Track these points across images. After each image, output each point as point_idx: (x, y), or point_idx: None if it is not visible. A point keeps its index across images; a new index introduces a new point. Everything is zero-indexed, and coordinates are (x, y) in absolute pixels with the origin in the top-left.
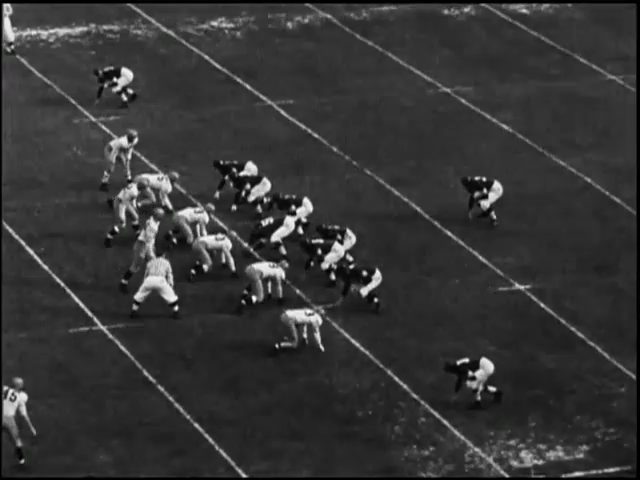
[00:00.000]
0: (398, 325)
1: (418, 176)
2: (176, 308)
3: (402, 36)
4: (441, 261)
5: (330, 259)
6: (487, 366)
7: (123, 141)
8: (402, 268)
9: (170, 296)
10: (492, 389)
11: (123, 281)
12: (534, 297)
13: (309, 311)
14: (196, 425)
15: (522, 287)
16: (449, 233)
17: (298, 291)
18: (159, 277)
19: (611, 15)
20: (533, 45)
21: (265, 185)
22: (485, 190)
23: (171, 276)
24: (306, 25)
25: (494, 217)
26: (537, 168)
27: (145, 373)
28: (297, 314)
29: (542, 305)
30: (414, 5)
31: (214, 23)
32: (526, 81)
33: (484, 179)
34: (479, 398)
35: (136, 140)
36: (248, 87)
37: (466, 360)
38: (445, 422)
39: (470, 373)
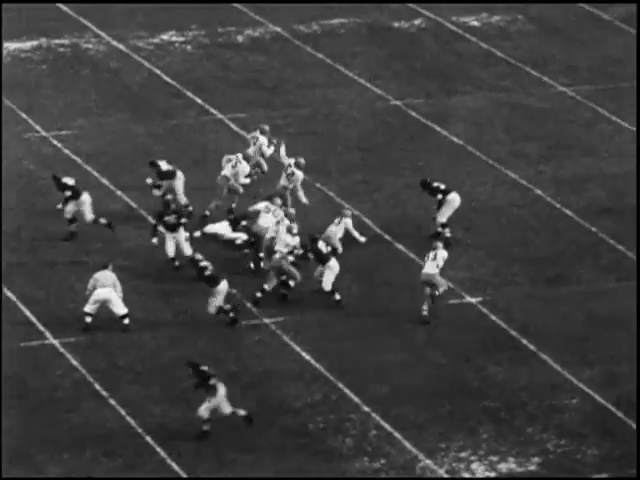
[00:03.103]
0: (349, 338)
1: (368, 189)
2: (126, 321)
3: (352, 49)
4: (392, 274)
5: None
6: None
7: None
8: (353, 281)
9: (120, 309)
10: None
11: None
12: (485, 309)
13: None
14: (147, 438)
15: (473, 299)
16: (400, 246)
17: (249, 304)
18: (108, 288)
19: (561, 27)
20: (483, 57)
21: (180, 180)
22: (440, 196)
23: (119, 287)
24: (256, 38)
25: (448, 234)
26: (487, 180)
27: (96, 386)
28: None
29: (493, 317)
30: (364, 18)
31: (164, 37)
32: (476, 93)
33: (442, 186)
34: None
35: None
36: (198, 101)
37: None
38: (396, 434)
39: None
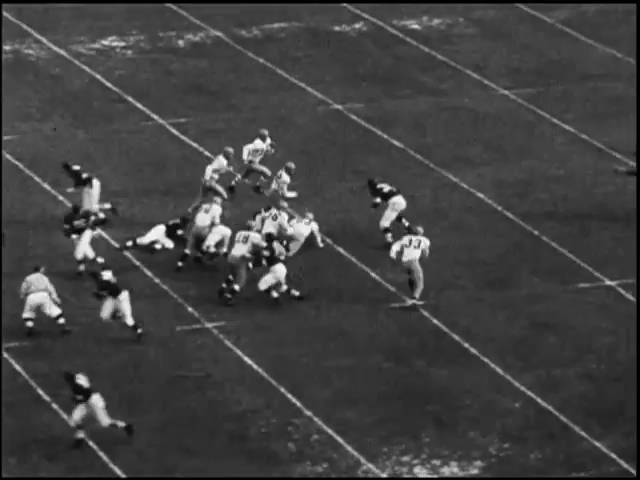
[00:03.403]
0: (291, 342)
1: (310, 193)
2: (62, 320)
3: (293, 53)
4: (333, 278)
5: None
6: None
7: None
8: (295, 284)
9: (54, 310)
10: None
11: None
12: (427, 313)
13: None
14: (90, 443)
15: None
16: (341, 250)
17: (190, 308)
18: (40, 293)
19: (502, 30)
20: (424, 61)
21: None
22: (379, 199)
23: (53, 290)
24: (197, 43)
25: (389, 239)
26: (429, 184)
27: (39, 391)
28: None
29: (435, 321)
30: (305, 22)
31: (105, 42)
32: (417, 97)
33: (386, 189)
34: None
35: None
36: (139, 106)
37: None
38: (338, 439)
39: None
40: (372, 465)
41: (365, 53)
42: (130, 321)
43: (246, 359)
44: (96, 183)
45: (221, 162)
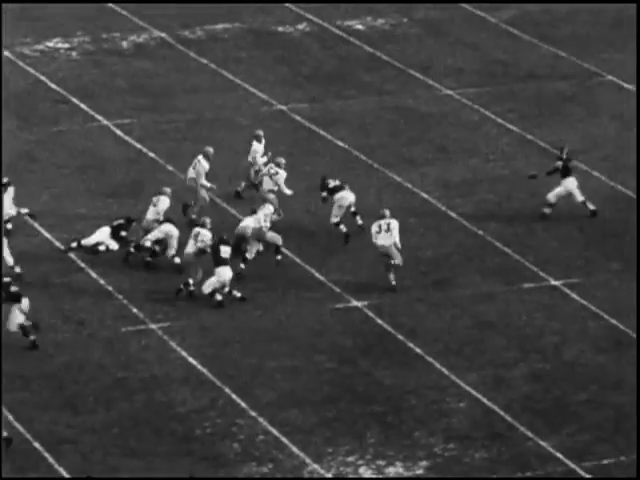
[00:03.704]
0: (235, 343)
1: (254, 194)
2: None
3: (237, 54)
4: (277, 278)
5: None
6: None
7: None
8: (238, 286)
9: None
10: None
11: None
12: (371, 313)
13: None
14: (36, 444)
15: (359, 304)
16: (285, 250)
17: (135, 309)
18: None
19: (446, 30)
20: (368, 61)
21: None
22: (324, 193)
23: None
24: (141, 44)
25: (344, 229)
26: (373, 184)
27: None
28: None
29: (379, 321)
30: (248, 23)
31: (49, 44)
32: (361, 97)
33: (332, 184)
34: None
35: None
36: (84, 107)
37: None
38: (283, 439)
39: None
40: (317, 465)
41: (309, 54)
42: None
43: (191, 360)
44: (10, 189)
45: (204, 165)
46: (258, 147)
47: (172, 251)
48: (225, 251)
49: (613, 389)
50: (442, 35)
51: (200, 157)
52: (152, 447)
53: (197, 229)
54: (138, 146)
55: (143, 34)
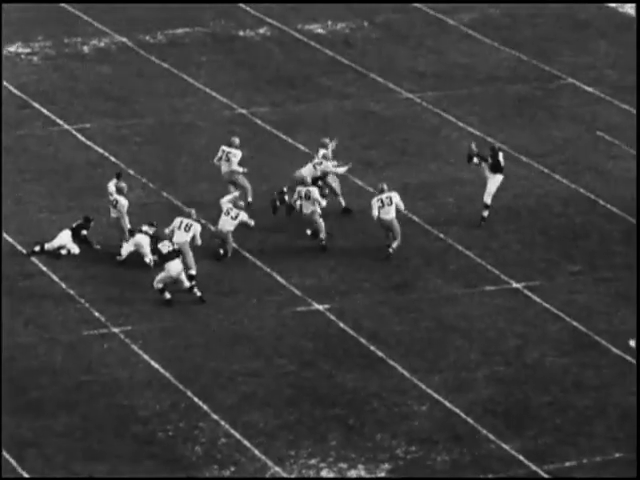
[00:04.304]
0: (196, 346)
1: (214, 197)
2: None
3: (197, 58)
4: (238, 282)
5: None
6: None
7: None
8: (199, 288)
9: None
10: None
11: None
12: (333, 316)
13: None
14: None
15: (321, 307)
16: (246, 254)
17: (97, 313)
18: None
19: (406, 33)
20: (329, 65)
21: None
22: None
23: None
24: (102, 49)
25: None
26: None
27: None
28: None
29: (341, 324)
30: (209, 27)
31: (11, 49)
32: (322, 101)
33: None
34: None
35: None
36: (45, 112)
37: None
38: (246, 442)
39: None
40: (279, 468)
41: (269, 57)
42: None
43: (153, 363)
44: None
45: (236, 153)
46: (325, 153)
47: (147, 259)
48: (165, 245)
49: (575, 391)
50: (403, 39)
51: (226, 148)
52: (114, 450)
53: (186, 220)
54: (100, 150)
55: (104, 39)
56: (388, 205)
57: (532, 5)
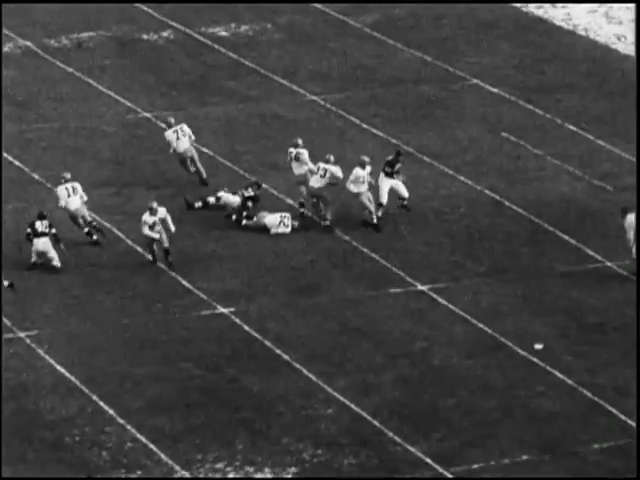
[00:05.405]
0: (103, 350)
1: (120, 202)
2: None
3: (101, 62)
4: (144, 285)
5: None
6: None
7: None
8: (107, 293)
9: None
10: None
11: None
12: (238, 320)
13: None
14: None
15: (226, 310)
16: (150, 258)
17: (3, 318)
18: None
19: (310, 35)
20: (233, 67)
21: None
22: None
23: None
24: (6, 53)
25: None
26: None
27: None
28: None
29: (246, 328)
30: (113, 31)
31: None
32: (226, 104)
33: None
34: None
35: None
36: None
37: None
38: (152, 446)
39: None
40: (186, 472)
41: (173, 61)
42: None
43: (59, 368)
44: None
45: (303, 152)
46: (361, 173)
47: (55, 262)
48: (41, 225)
49: (481, 394)
50: (306, 41)
51: (293, 149)
52: (21, 455)
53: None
54: (4, 155)
55: (8, 43)
56: (321, 177)
57: (436, 5)
